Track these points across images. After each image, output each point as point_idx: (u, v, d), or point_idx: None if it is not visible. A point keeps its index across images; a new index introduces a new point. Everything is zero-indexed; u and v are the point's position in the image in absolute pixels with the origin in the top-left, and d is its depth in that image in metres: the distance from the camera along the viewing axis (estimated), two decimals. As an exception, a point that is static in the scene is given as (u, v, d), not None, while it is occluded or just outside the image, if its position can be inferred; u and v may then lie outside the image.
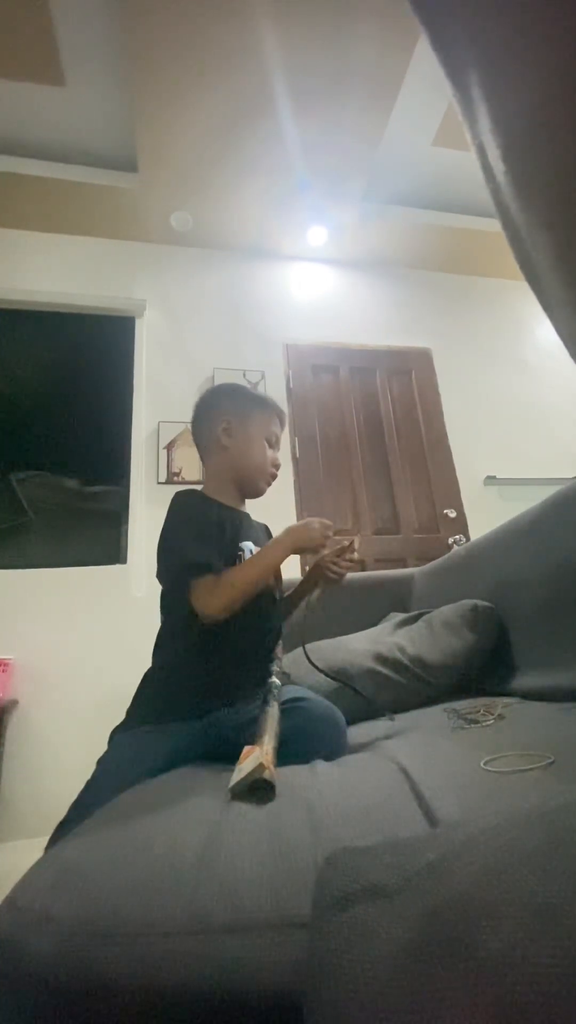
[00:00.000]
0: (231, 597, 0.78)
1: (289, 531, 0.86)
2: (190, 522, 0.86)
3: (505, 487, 2.78)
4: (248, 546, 0.91)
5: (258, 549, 0.92)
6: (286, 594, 1.03)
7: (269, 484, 0.99)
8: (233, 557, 0.88)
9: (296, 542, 0.85)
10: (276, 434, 0.99)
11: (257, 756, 0.54)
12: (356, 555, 0.94)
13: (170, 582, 0.86)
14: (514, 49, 0.16)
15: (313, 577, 0.97)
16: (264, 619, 0.90)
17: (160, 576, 0.89)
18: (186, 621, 0.85)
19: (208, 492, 0.95)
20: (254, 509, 1.01)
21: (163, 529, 0.86)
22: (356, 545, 0.94)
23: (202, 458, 1.01)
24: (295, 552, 0.86)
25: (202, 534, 0.84)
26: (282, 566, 1.02)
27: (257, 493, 0.99)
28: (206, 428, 0.98)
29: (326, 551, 0.91)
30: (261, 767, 0.52)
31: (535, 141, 0.16)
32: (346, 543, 0.94)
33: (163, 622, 0.90)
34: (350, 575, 0.96)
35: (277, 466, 0.99)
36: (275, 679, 0.80)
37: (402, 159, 2.71)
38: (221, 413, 0.96)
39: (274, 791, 0.51)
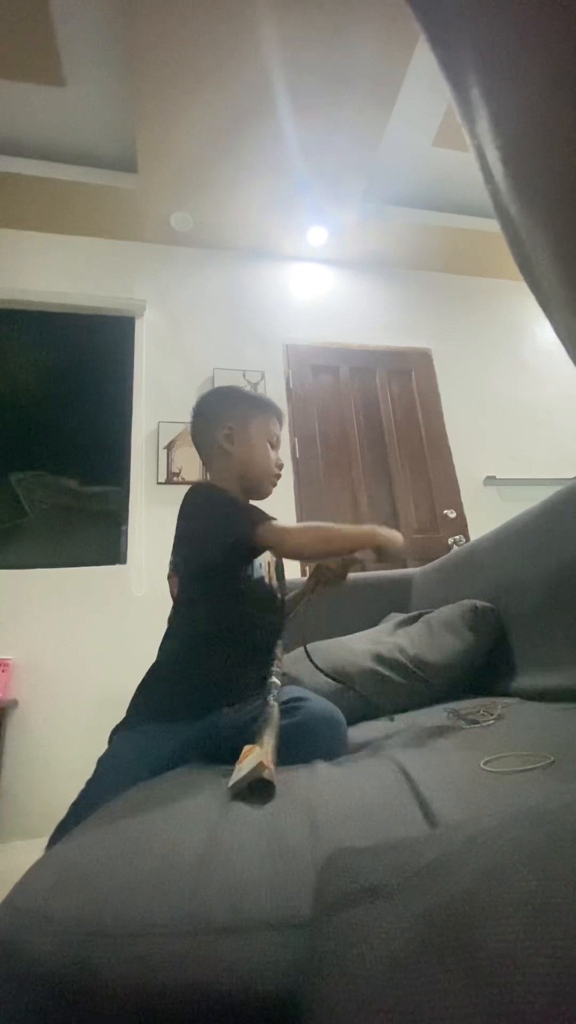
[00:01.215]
0: (313, 536, 0.81)
1: (384, 530, 0.82)
2: (226, 498, 0.88)
3: (505, 487, 2.78)
4: None
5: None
6: (289, 595, 1.03)
7: (274, 485, 1.00)
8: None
9: (384, 540, 0.81)
10: (277, 435, 1.00)
11: (257, 755, 0.54)
12: (358, 555, 0.94)
13: (223, 543, 0.82)
14: (514, 51, 0.16)
15: (315, 578, 0.97)
16: (266, 618, 0.90)
17: (178, 563, 0.89)
18: (192, 618, 0.85)
19: None
20: (254, 509, 1.01)
21: (192, 512, 0.87)
22: None
23: (205, 464, 1.01)
24: (374, 544, 0.81)
25: (243, 505, 0.86)
26: (284, 566, 1.02)
27: (263, 495, 0.99)
28: (207, 434, 0.98)
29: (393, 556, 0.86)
30: (261, 766, 0.52)
31: (535, 143, 0.16)
32: None
33: (171, 618, 0.90)
34: (351, 575, 0.96)
35: (280, 467, 0.99)
36: (275, 679, 0.80)
37: (402, 160, 2.71)
38: (222, 419, 0.97)
39: (274, 790, 0.51)
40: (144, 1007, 0.30)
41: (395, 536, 0.83)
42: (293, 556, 0.81)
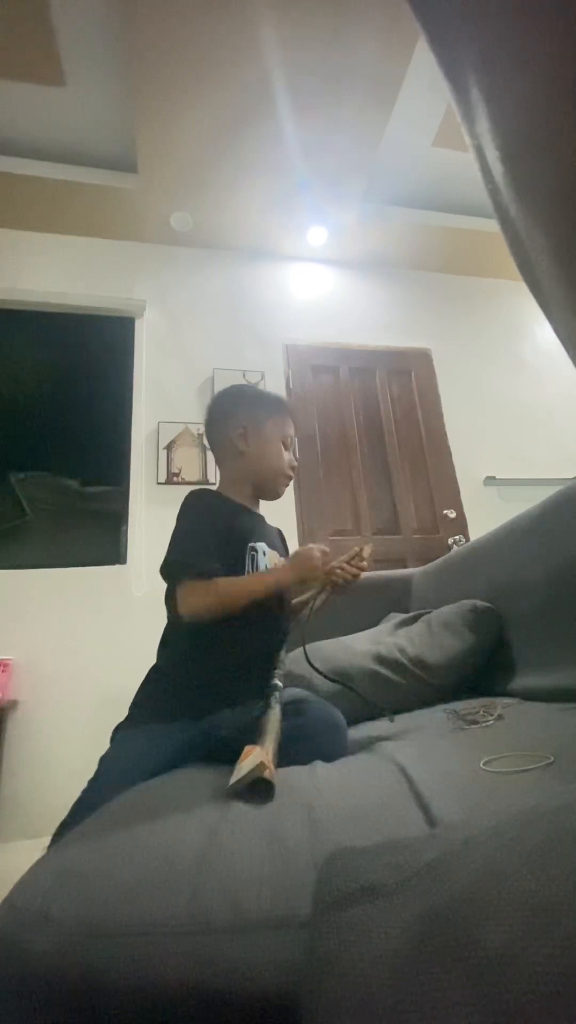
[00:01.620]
0: (214, 603, 0.78)
1: (293, 558, 0.88)
2: (196, 523, 0.87)
3: (505, 487, 2.78)
4: (262, 547, 0.91)
5: (271, 552, 0.92)
6: (294, 599, 1.02)
7: (287, 485, 1.00)
8: (243, 556, 0.88)
9: (298, 571, 0.86)
10: (291, 435, 1.00)
11: (258, 755, 0.54)
12: (365, 563, 0.92)
13: (168, 578, 0.86)
14: (513, 50, 0.16)
15: (323, 582, 0.96)
16: (271, 622, 0.90)
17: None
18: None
19: (224, 492, 0.95)
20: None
21: (177, 517, 0.87)
22: (365, 553, 0.92)
23: (218, 462, 1.01)
24: (298, 581, 0.87)
25: (205, 537, 0.84)
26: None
27: (275, 495, 0.99)
28: (222, 434, 0.98)
29: (324, 581, 0.90)
30: (262, 766, 0.52)
31: (534, 143, 0.16)
32: (356, 550, 0.93)
33: (169, 620, 0.90)
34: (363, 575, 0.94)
35: (293, 467, 0.99)
36: (277, 681, 0.80)
37: (402, 160, 2.71)
38: (237, 418, 0.97)
39: (274, 790, 0.51)
40: (143, 1007, 0.30)
41: (309, 560, 0.85)
42: (189, 620, 0.78)
